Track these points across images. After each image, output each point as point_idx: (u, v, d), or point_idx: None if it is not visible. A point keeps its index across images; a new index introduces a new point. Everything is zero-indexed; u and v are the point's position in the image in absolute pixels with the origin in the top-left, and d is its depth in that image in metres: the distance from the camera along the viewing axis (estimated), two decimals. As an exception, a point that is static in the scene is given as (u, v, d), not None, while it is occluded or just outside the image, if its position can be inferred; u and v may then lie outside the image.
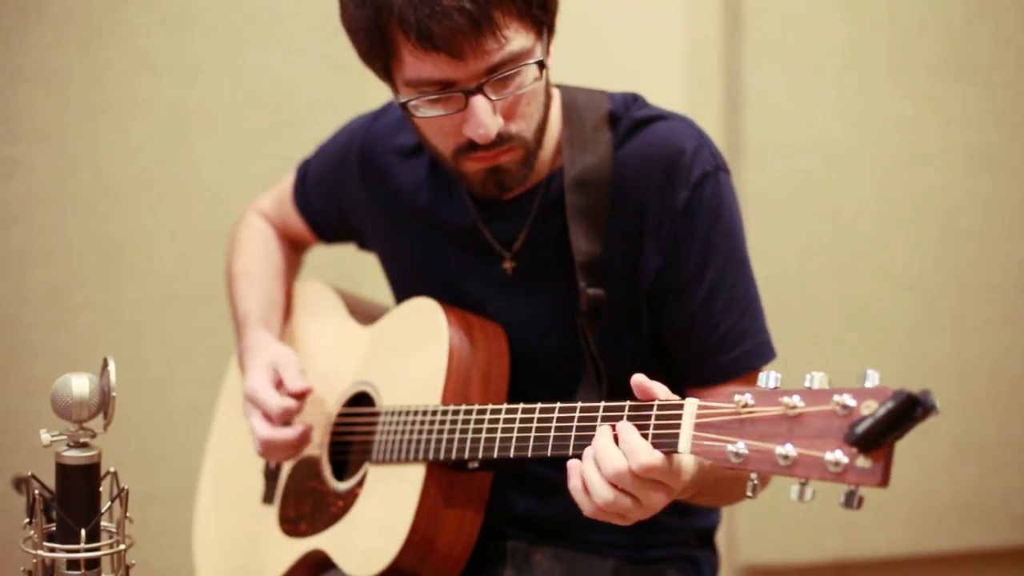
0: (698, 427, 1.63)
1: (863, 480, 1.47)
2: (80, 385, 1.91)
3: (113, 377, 1.91)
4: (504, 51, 1.93)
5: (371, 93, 3.14)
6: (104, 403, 1.91)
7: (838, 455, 1.48)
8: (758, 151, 3.31)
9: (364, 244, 2.48)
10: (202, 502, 2.58)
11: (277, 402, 2.23)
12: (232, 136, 3.21)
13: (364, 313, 2.46)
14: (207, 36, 3.21)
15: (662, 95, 3.33)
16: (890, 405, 1.43)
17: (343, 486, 2.25)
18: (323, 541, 2.24)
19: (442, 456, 2.05)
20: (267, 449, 2.25)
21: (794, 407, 1.54)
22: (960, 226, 3.41)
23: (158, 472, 3.21)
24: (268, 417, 2.24)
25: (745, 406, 1.58)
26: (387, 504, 2.13)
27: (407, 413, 2.13)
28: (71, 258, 3.17)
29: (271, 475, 2.44)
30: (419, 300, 2.24)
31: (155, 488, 3.20)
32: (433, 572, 2.12)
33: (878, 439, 1.45)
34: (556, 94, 2.17)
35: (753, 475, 1.58)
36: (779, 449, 1.53)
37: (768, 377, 1.59)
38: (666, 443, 1.68)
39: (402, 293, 2.37)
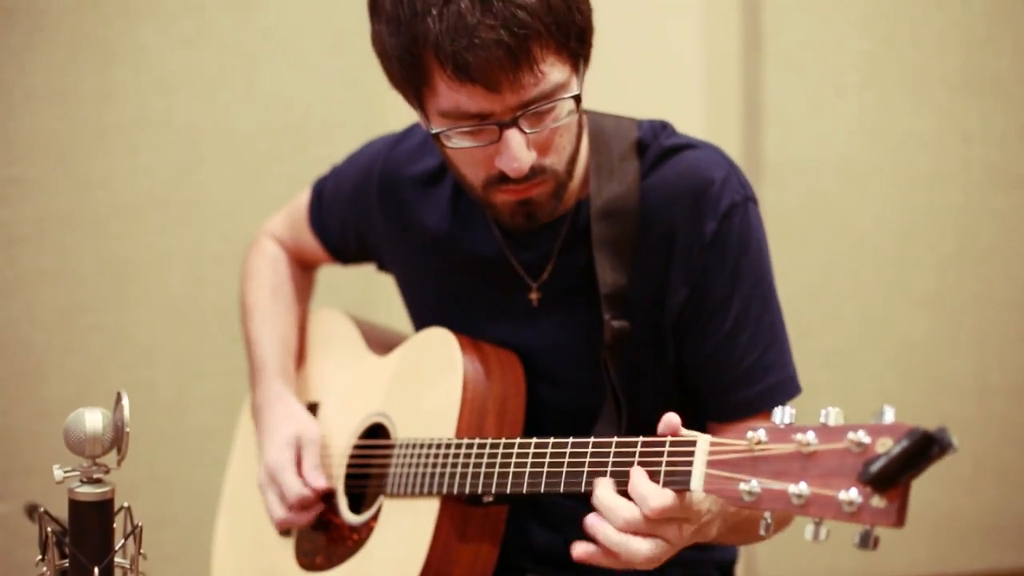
0: (711, 464, 1.60)
1: (878, 520, 1.43)
2: (94, 420, 1.88)
3: (127, 412, 1.88)
4: (541, 85, 1.89)
5: (387, 111, 3.14)
6: (118, 438, 1.89)
7: (852, 494, 1.45)
8: (777, 168, 3.28)
9: (382, 267, 2.45)
10: (220, 535, 2.56)
11: (297, 491, 2.24)
12: (245, 156, 3.19)
13: (380, 342, 2.43)
14: (220, 55, 3.20)
15: (681, 113, 3.30)
16: (905, 444, 1.40)
17: (358, 520, 2.23)
18: (339, 575, 2.22)
19: (456, 490, 2.03)
20: (281, 528, 2.29)
21: (808, 444, 1.50)
22: (980, 243, 3.38)
23: (172, 495, 3.19)
24: (283, 497, 2.24)
25: (759, 443, 1.55)
26: (401, 538, 2.11)
27: (421, 446, 2.11)
28: (83, 279, 3.15)
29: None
30: (434, 331, 2.22)
31: (169, 511, 3.18)
32: None
33: (893, 478, 1.42)
34: (584, 121, 2.13)
35: (766, 514, 1.55)
36: (792, 488, 1.50)
37: (783, 413, 1.56)
38: (679, 480, 1.65)
39: (421, 320, 2.34)
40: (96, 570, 1.84)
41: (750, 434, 1.56)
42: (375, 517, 2.19)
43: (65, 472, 1.88)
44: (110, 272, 3.16)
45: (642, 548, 1.69)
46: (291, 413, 2.34)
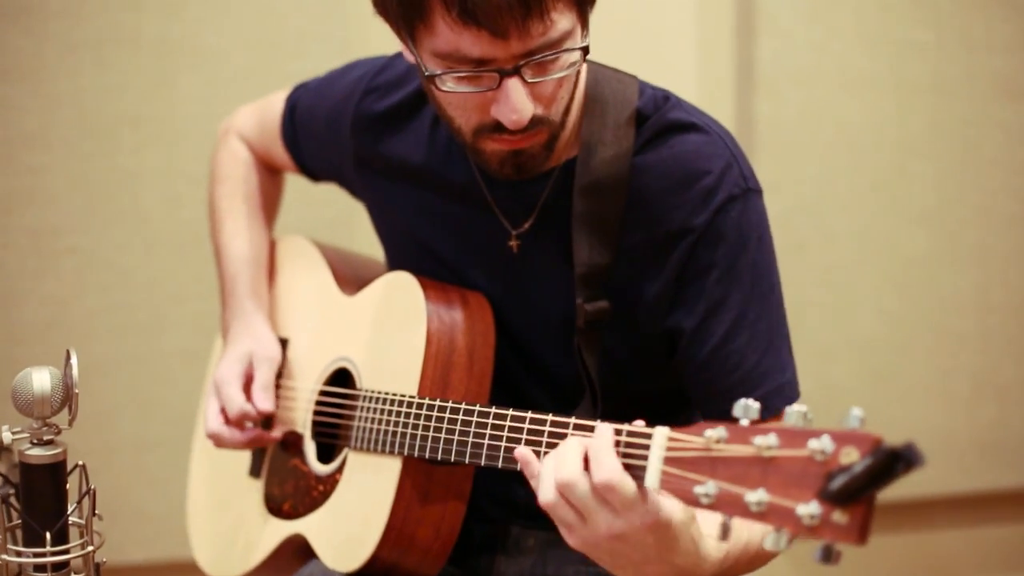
0: (668, 461, 1.52)
1: (838, 537, 1.35)
2: (42, 380, 1.82)
3: (76, 371, 1.83)
4: (549, 34, 1.76)
5: (368, 26, 3.01)
6: (68, 398, 1.84)
7: (812, 508, 1.36)
8: (771, 79, 3.17)
9: (355, 196, 2.37)
10: (193, 470, 2.53)
11: (238, 405, 2.19)
12: (219, 71, 3.08)
13: (349, 276, 2.36)
14: (191, -34, 3.08)
15: (670, 18, 3.21)
16: (869, 462, 1.31)
17: (324, 470, 2.18)
18: (304, 527, 2.18)
19: (416, 454, 1.97)
20: (213, 441, 2.23)
21: (768, 448, 1.42)
22: (983, 156, 3.27)
23: (152, 418, 3.16)
24: (223, 410, 2.18)
25: (717, 441, 1.47)
26: (365, 496, 2.06)
27: (384, 401, 2.04)
28: (55, 201, 3.08)
29: (258, 448, 2.37)
30: (399, 276, 2.14)
31: (149, 434, 3.15)
32: (415, 566, 2.05)
33: (855, 495, 1.33)
34: (583, 72, 2.00)
35: (724, 516, 1.47)
36: (750, 495, 1.41)
37: (746, 408, 1.47)
38: (634, 475, 1.57)
39: (394, 257, 2.26)
40: (48, 534, 1.81)
41: (708, 432, 1.47)
42: (340, 470, 2.14)
43: (14, 434, 1.83)
44: (83, 193, 3.09)
45: (562, 510, 1.61)
46: (251, 330, 2.29)
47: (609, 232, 1.96)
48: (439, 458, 1.94)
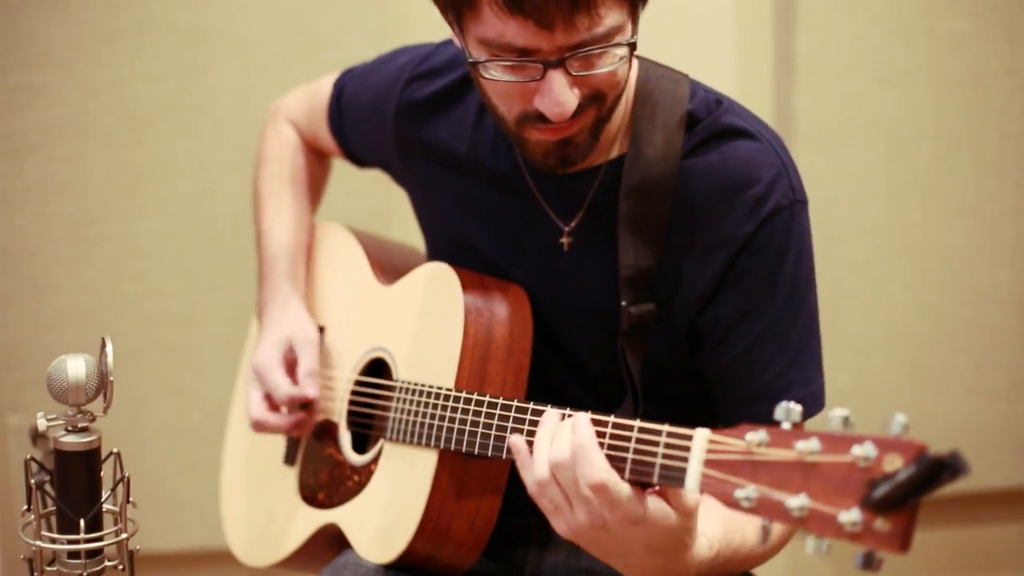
0: (708, 463, 1.51)
1: (881, 545, 1.34)
2: (76, 367, 1.83)
3: (111, 358, 1.83)
4: (595, 28, 1.75)
5: (407, 15, 3.02)
6: (103, 385, 1.84)
7: (854, 515, 1.35)
8: (810, 71, 3.14)
9: (399, 183, 2.36)
10: (227, 457, 2.53)
11: (285, 390, 2.19)
12: (255, 60, 3.07)
13: (386, 265, 2.36)
14: (228, -46, 3.07)
15: (708, 10, 3.19)
16: (912, 470, 1.30)
17: (359, 460, 2.18)
18: (339, 517, 2.18)
19: (452, 447, 1.97)
20: (256, 429, 2.22)
21: (811, 453, 1.41)
22: (1022, 149, 3.23)
23: (187, 405, 3.16)
24: (268, 398, 2.18)
25: (759, 445, 1.46)
26: (400, 488, 2.06)
27: (421, 393, 2.04)
28: (92, 189, 3.08)
29: (291, 437, 2.37)
30: (437, 267, 2.13)
31: (184, 422, 3.15)
32: (450, 558, 2.05)
33: (899, 504, 1.32)
34: (634, 67, 1.99)
35: (764, 522, 1.46)
36: (791, 501, 1.40)
37: (787, 412, 1.46)
38: (673, 477, 1.56)
39: (435, 246, 2.26)
40: (82, 521, 1.81)
41: (749, 435, 1.46)
42: (375, 461, 2.13)
43: (49, 421, 1.84)
44: (119, 181, 3.09)
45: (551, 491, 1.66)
46: (288, 313, 2.28)
47: (655, 234, 1.95)
48: (476, 452, 1.93)
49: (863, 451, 1.36)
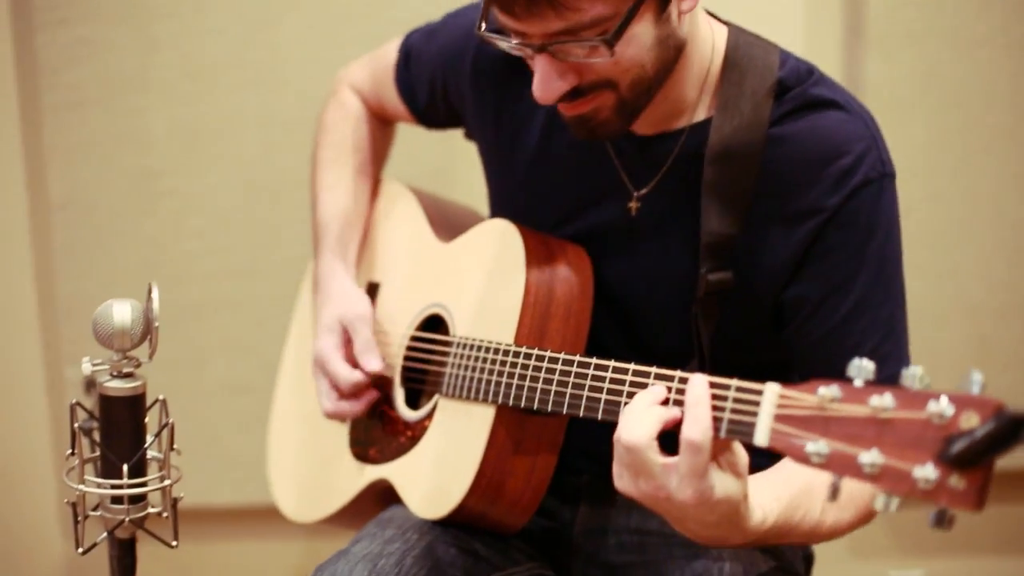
0: (778, 418, 1.48)
1: (955, 502, 1.31)
2: (122, 312, 1.82)
3: (157, 304, 1.82)
4: (569, 20, 1.74)
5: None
6: (148, 331, 1.83)
7: (928, 471, 1.32)
8: (882, 37, 3.07)
9: (469, 137, 2.34)
10: (276, 415, 2.52)
11: (347, 377, 2.19)
12: (322, 15, 3.04)
13: (445, 223, 2.34)
14: (295, -92, 3.03)
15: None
16: (990, 427, 1.26)
17: (413, 416, 2.16)
18: (390, 472, 2.16)
19: (511, 402, 1.95)
20: (333, 418, 2.24)
21: (885, 409, 1.37)
22: (1099, 118, 3.15)
23: (244, 362, 3.14)
24: (335, 387, 2.18)
25: (831, 400, 1.42)
26: (455, 444, 2.03)
27: (479, 348, 2.02)
28: (154, 143, 3.06)
29: (345, 393, 2.35)
30: (498, 223, 2.11)
31: (241, 379, 3.15)
32: (502, 516, 2.03)
33: (975, 460, 1.28)
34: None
35: (835, 477, 1.42)
36: (864, 456, 1.37)
37: (860, 369, 1.42)
38: (741, 431, 1.53)
39: (501, 203, 2.23)
40: (125, 467, 1.80)
41: (822, 390, 1.43)
42: (430, 416, 2.11)
43: (94, 365, 1.83)
44: (181, 136, 3.07)
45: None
46: (337, 292, 2.27)
47: (739, 202, 1.92)
48: (535, 407, 1.91)
49: (939, 407, 1.33)
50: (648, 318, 2.05)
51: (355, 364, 2.21)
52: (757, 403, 1.51)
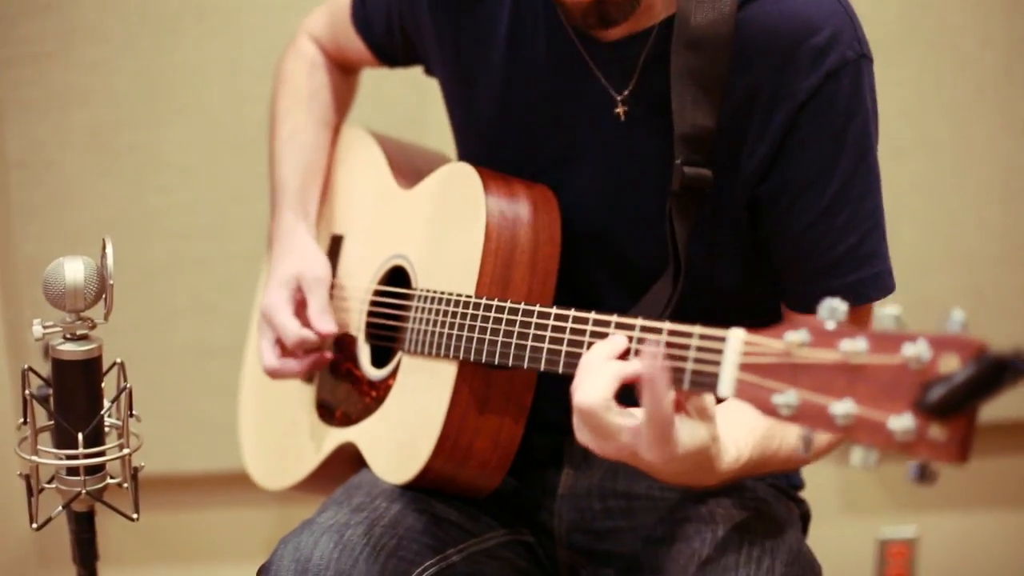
0: (744, 367, 1.37)
1: (936, 454, 1.20)
2: (74, 270, 1.74)
3: (111, 260, 1.73)
4: None
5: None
6: (103, 290, 1.75)
7: (906, 421, 1.21)
8: (869, -25, 2.97)
9: (429, 72, 2.24)
10: (246, 376, 2.44)
11: (294, 333, 2.09)
12: (286, -38, 2.92)
13: (410, 169, 2.24)
14: None
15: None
16: (972, 370, 1.16)
17: (377, 375, 2.07)
18: (356, 435, 2.07)
19: (472, 357, 1.85)
20: (271, 376, 2.12)
21: (857, 354, 1.26)
22: (1096, 61, 3.05)
23: (213, 324, 3.04)
24: (280, 343, 2.07)
25: (800, 346, 1.31)
26: (418, 403, 1.94)
27: (439, 301, 1.92)
28: (115, 97, 2.94)
29: (310, 352, 2.26)
30: (455, 165, 2.01)
31: (211, 340, 3.04)
32: (472, 479, 1.94)
33: (955, 408, 1.18)
34: None
35: (806, 430, 1.32)
36: (836, 406, 1.27)
37: (831, 310, 1.31)
38: (705, 382, 1.43)
39: (471, 138, 2.13)
40: (80, 435, 1.72)
41: (789, 335, 1.32)
42: (393, 374, 2.01)
43: (45, 328, 1.75)
44: (143, 89, 2.94)
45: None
46: (295, 248, 2.17)
47: (711, 91, 1.81)
48: (496, 362, 1.82)
49: (915, 350, 1.22)
50: (625, 226, 1.96)
51: (306, 324, 2.11)
52: (720, 351, 1.41)
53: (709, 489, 1.91)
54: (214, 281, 3.03)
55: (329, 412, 2.17)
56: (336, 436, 2.12)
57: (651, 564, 1.94)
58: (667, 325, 1.49)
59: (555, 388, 1.90)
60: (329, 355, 2.14)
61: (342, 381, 2.15)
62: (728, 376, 1.38)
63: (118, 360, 1.81)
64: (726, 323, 1.46)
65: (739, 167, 1.85)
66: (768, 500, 2.02)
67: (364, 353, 2.12)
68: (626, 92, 1.92)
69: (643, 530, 2.00)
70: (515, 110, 2.03)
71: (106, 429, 1.80)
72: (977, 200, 3.07)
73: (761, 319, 1.66)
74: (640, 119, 1.92)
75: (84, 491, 1.75)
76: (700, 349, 1.44)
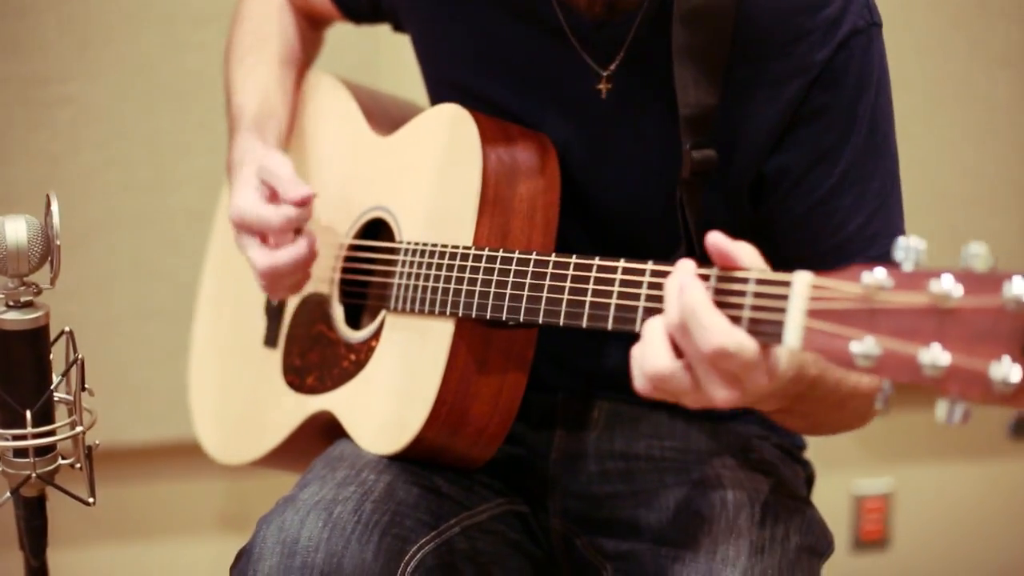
0: (813, 314, 1.24)
1: (1042, 405, 1.08)
2: (16, 231, 1.60)
3: (57, 219, 1.59)
4: None
5: None
6: (49, 251, 1.60)
7: (1006, 369, 1.08)
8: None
9: (399, 28, 2.11)
10: (197, 339, 2.29)
11: (275, 214, 1.85)
12: None
13: (385, 117, 2.10)
14: None
15: None
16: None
17: (357, 336, 1.93)
18: (333, 402, 1.93)
19: (473, 314, 1.71)
20: (273, 279, 1.89)
21: (947, 297, 1.13)
22: (1073, -7, 2.99)
23: (156, 285, 2.89)
24: (266, 239, 1.87)
25: (879, 289, 1.18)
26: (409, 366, 1.80)
27: (432, 254, 1.78)
28: (44, 46, 2.78)
29: (273, 313, 2.13)
30: (446, 107, 1.87)
31: (153, 302, 2.89)
32: (467, 447, 1.80)
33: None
34: None
35: (885, 384, 1.19)
36: (924, 354, 1.14)
37: (907, 250, 1.18)
38: (767, 332, 1.29)
39: (443, 98, 1.97)
40: (28, 413, 1.57)
41: (866, 277, 1.19)
42: (376, 335, 1.87)
43: None
44: (76, 37, 2.78)
45: (678, 377, 1.36)
46: (254, 154, 1.96)
47: (714, 67, 1.70)
48: (503, 318, 1.69)
49: (1020, 293, 1.09)
50: (625, 215, 1.84)
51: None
52: (784, 296, 1.27)
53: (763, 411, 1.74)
54: (155, 240, 2.88)
55: (299, 378, 2.02)
56: (308, 404, 1.97)
57: (653, 533, 1.83)
58: (715, 271, 1.36)
59: (545, 342, 1.79)
60: (314, 237, 1.92)
61: (314, 344, 2.00)
62: (795, 323, 1.24)
63: (67, 328, 1.66)
64: None
65: (746, 145, 1.75)
66: (774, 462, 1.94)
67: (338, 313, 1.98)
68: (612, 67, 1.80)
69: (644, 495, 1.89)
70: (488, 77, 1.91)
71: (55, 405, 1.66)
72: (954, 141, 3.02)
73: None
74: (628, 96, 1.80)
75: (34, 474, 1.62)
76: (759, 295, 1.30)
